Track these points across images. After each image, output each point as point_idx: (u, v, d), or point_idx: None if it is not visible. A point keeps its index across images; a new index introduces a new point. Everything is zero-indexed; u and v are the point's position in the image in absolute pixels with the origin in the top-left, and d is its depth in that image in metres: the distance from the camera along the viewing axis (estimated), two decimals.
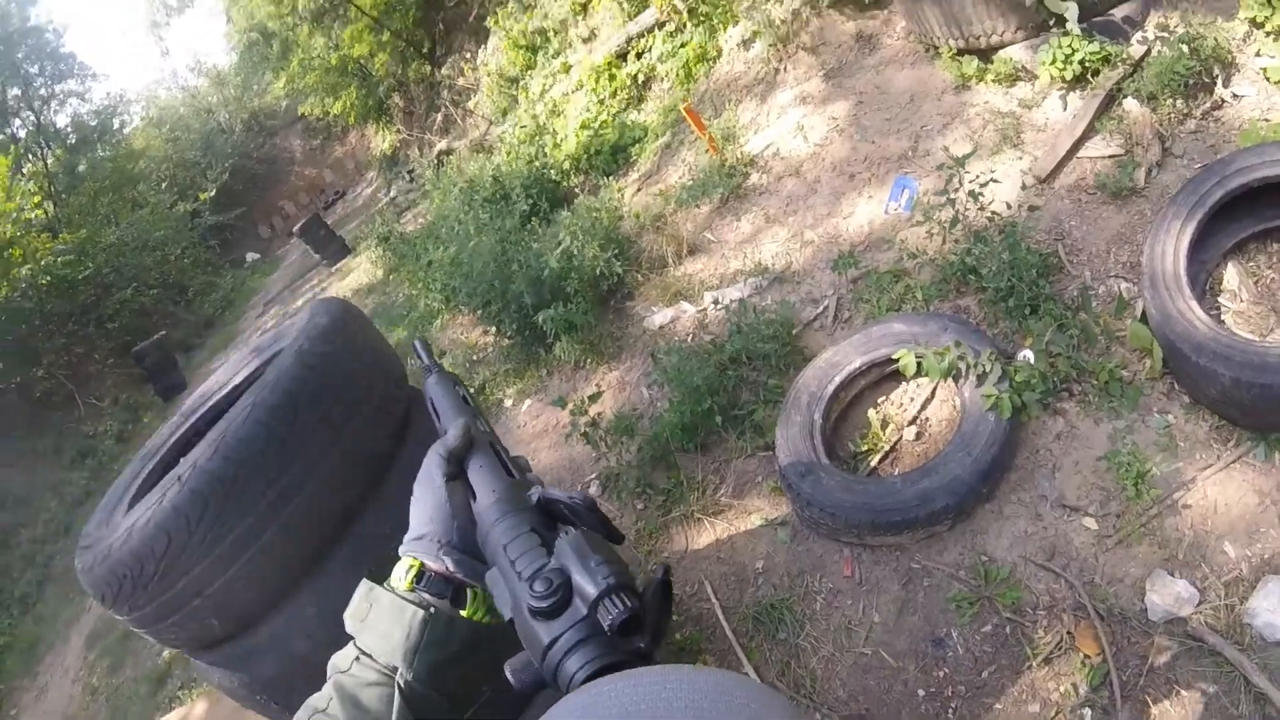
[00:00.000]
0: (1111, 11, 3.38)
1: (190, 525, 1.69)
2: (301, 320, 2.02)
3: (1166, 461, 2.15)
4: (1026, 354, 2.47)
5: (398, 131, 15.73)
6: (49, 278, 13.82)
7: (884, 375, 2.63)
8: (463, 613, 0.73)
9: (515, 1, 9.89)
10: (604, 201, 5.07)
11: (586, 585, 0.55)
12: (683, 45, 5.89)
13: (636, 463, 3.12)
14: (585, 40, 7.63)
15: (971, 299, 2.81)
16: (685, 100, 5.72)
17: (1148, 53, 3.21)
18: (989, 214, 2.82)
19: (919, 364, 2.31)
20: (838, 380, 2.53)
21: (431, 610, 0.71)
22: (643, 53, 6.45)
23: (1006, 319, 2.64)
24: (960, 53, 3.69)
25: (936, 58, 3.84)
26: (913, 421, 2.61)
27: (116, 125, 21.32)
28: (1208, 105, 2.99)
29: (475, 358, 4.94)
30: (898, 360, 2.39)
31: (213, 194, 20.22)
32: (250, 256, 20.16)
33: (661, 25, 6.16)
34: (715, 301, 3.63)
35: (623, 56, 6.67)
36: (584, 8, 7.72)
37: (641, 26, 6.36)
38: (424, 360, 1.17)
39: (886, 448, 2.59)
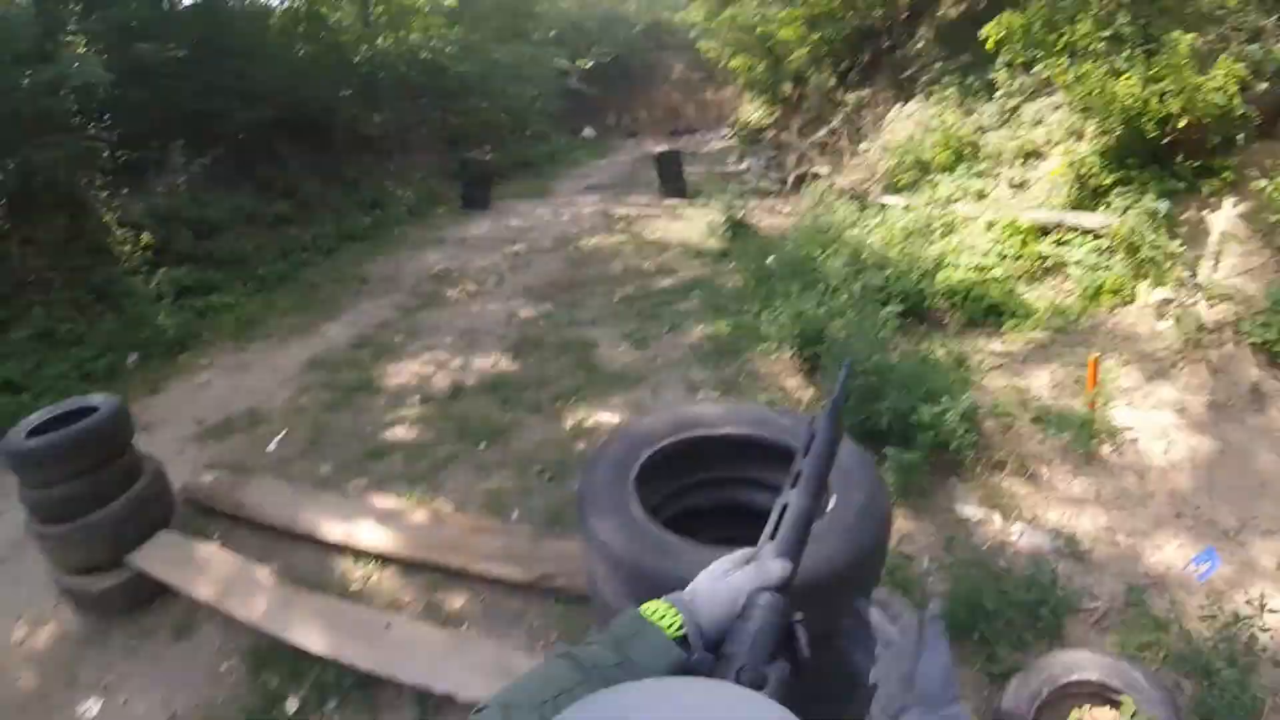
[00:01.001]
0: None
1: None
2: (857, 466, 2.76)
3: None
4: None
5: (773, 115, 17.81)
6: (428, 56, 17.04)
7: (1097, 694, 4.06)
8: None
9: (958, 88, 11.10)
10: (965, 358, 6.53)
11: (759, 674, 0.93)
12: (1105, 268, 7.07)
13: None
14: (1013, 185, 8.86)
15: (1189, 683, 4.08)
16: (1081, 316, 7.01)
17: None
18: (1250, 642, 4.09)
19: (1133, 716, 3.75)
20: (1071, 679, 4.00)
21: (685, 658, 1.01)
22: (1063, 243, 7.67)
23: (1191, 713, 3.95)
24: None
25: None
26: None
27: None
28: None
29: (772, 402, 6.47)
30: (1120, 700, 3.83)
31: (589, 65, 23.64)
32: (587, 131, 24.11)
33: (1098, 236, 7.36)
34: (1020, 534, 5.07)
35: (1044, 231, 7.91)
36: (1029, 156, 8.93)
37: (1078, 223, 7.53)
38: (838, 390, 1.31)
39: None
